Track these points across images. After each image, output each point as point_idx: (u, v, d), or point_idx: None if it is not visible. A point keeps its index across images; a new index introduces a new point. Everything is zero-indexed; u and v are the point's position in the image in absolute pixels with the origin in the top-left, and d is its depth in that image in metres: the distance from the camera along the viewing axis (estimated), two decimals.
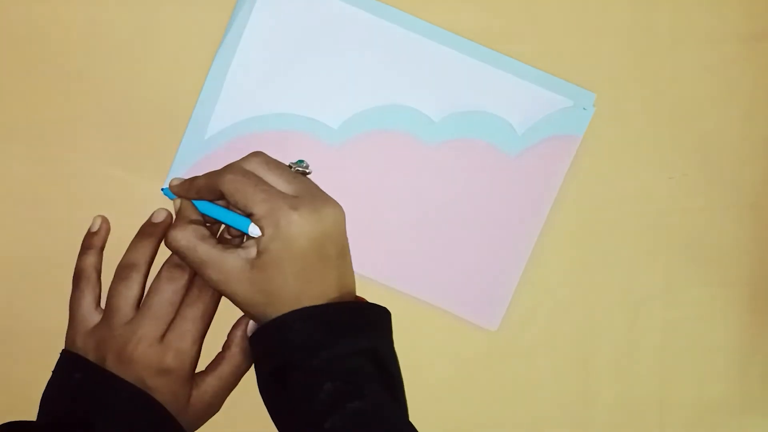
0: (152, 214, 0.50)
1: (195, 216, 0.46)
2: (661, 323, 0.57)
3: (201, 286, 0.47)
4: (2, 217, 0.54)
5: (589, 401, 0.57)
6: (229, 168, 0.44)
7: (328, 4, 0.53)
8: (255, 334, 0.45)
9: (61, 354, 0.47)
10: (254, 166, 0.44)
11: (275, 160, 0.45)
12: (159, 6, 0.53)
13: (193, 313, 0.47)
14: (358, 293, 0.46)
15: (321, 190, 0.45)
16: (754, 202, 0.56)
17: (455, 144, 0.54)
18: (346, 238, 0.45)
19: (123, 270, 0.47)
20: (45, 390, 0.46)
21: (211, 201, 0.46)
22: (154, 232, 0.49)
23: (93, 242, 0.50)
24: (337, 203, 0.44)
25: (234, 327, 0.49)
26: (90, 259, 0.49)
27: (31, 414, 0.55)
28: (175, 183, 0.48)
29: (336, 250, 0.44)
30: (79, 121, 0.53)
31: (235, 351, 0.48)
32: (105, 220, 0.50)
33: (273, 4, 0.53)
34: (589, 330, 0.56)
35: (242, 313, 0.48)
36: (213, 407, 0.48)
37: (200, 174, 0.47)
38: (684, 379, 0.57)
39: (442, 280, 0.55)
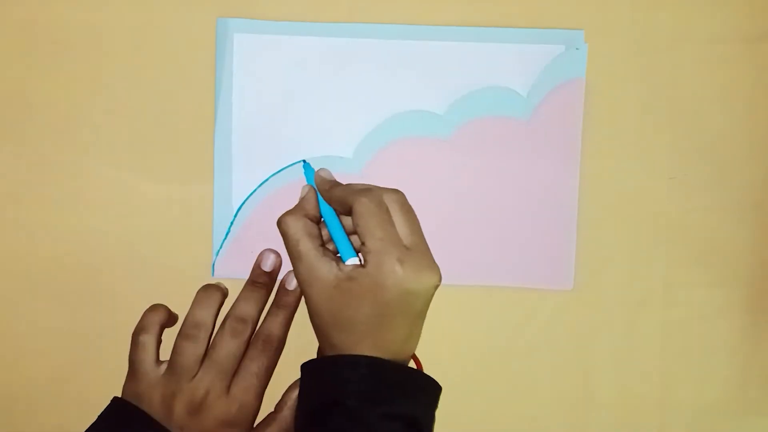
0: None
1: (313, 212, 0.48)
2: (661, 323, 0.57)
3: (265, 340, 0.49)
4: (2, 217, 0.54)
5: (589, 401, 0.57)
6: (367, 191, 0.45)
7: (303, 44, 0.53)
8: (313, 362, 0.46)
9: (114, 401, 0.47)
10: (390, 202, 0.45)
11: (409, 206, 0.46)
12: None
13: (257, 368, 0.48)
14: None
15: (430, 252, 0.45)
16: (755, 201, 0.56)
17: (468, 128, 0.54)
18: (429, 305, 0.45)
19: (191, 328, 0.48)
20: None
21: (336, 211, 0.48)
22: (218, 289, 0.50)
23: (167, 312, 0.50)
24: (438, 271, 0.45)
25: (288, 389, 0.50)
26: (160, 316, 0.49)
27: (31, 413, 0.55)
28: (323, 173, 0.50)
29: (416, 312, 0.45)
30: (79, 122, 0.53)
31: (287, 414, 0.49)
32: (176, 319, 0.51)
33: (251, 59, 0.53)
34: (589, 330, 0.56)
35: (297, 377, 0.49)
36: None
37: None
38: (684, 379, 0.57)
39: (507, 260, 0.55)
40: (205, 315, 0.49)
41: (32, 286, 0.54)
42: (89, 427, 0.46)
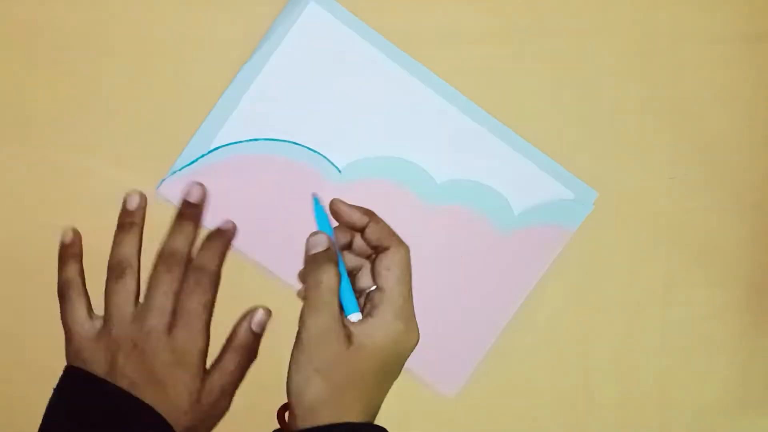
0: (125, 200, 0.50)
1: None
2: (661, 323, 0.57)
3: (197, 275, 0.48)
4: (2, 217, 0.54)
5: (589, 401, 0.57)
6: (402, 242, 0.45)
7: (360, 48, 0.53)
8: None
9: (65, 370, 0.47)
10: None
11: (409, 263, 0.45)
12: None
13: (194, 302, 0.47)
14: None
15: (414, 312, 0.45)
16: (755, 201, 0.56)
17: (451, 209, 0.54)
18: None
19: (116, 268, 0.48)
20: (50, 408, 0.45)
21: (357, 230, 0.46)
22: (134, 221, 0.49)
23: (71, 252, 0.50)
24: (418, 332, 0.45)
25: (239, 321, 0.49)
26: (73, 269, 0.49)
27: (31, 413, 0.55)
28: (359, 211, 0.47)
29: (396, 371, 0.45)
30: (80, 122, 0.53)
31: (239, 343, 0.48)
32: (75, 231, 0.50)
33: (308, 34, 0.52)
34: (589, 330, 0.56)
35: (246, 307, 0.48)
36: (221, 404, 0.48)
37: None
38: (684, 379, 0.57)
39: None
40: (126, 251, 0.48)
41: (32, 286, 0.54)
42: (48, 403, 0.45)
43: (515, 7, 0.54)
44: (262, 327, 0.49)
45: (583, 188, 0.55)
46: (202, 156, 0.53)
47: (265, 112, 0.53)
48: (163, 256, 0.48)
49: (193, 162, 0.53)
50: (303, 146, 0.53)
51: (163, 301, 0.46)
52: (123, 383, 0.45)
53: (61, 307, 0.48)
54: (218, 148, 0.53)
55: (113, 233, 0.54)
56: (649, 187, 0.56)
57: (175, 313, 0.47)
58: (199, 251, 0.49)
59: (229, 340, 0.49)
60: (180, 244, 0.48)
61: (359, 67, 0.53)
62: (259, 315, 0.49)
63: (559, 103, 0.55)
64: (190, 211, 0.50)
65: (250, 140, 0.53)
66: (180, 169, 0.53)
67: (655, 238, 0.56)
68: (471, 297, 0.55)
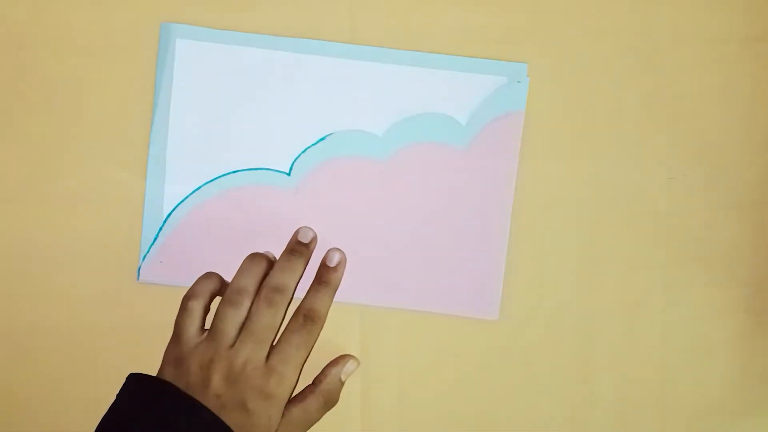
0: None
1: None
2: (661, 323, 0.57)
3: (306, 315, 0.49)
4: (2, 217, 0.54)
5: (589, 401, 0.57)
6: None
7: (246, 55, 0.53)
8: None
9: (159, 384, 0.47)
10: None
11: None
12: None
13: (297, 340, 0.48)
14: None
15: None
16: (754, 201, 0.56)
17: (406, 152, 0.54)
18: None
19: (234, 295, 0.48)
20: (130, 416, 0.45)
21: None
22: (264, 258, 0.50)
23: (213, 276, 0.51)
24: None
25: (330, 364, 0.50)
26: (210, 284, 0.50)
27: (31, 413, 0.55)
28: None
29: None
30: (79, 121, 0.53)
31: (326, 388, 0.50)
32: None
33: (192, 68, 0.53)
34: (589, 330, 0.56)
35: (341, 353, 0.51)
36: None
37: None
38: (684, 380, 0.57)
39: (433, 287, 0.55)
40: (249, 282, 0.49)
41: (32, 286, 0.54)
42: (111, 407, 0.46)
43: (515, 7, 0.54)
44: (349, 376, 0.51)
45: (511, 67, 0.54)
46: (160, 230, 0.53)
47: (193, 158, 0.53)
48: (269, 290, 0.49)
49: (155, 239, 0.53)
50: (243, 170, 0.53)
51: (261, 333, 0.47)
52: (212, 402, 0.46)
53: (181, 307, 0.49)
54: (169, 214, 0.53)
55: (112, 233, 0.54)
56: (648, 187, 0.56)
57: (275, 345, 0.48)
58: (310, 291, 0.50)
59: (317, 382, 0.50)
60: (286, 280, 0.49)
61: (256, 73, 0.53)
62: (351, 365, 0.51)
63: (559, 104, 0.55)
64: (300, 249, 0.51)
65: (195, 191, 0.53)
66: (147, 251, 0.53)
67: (655, 238, 0.56)
68: (464, 222, 0.54)
